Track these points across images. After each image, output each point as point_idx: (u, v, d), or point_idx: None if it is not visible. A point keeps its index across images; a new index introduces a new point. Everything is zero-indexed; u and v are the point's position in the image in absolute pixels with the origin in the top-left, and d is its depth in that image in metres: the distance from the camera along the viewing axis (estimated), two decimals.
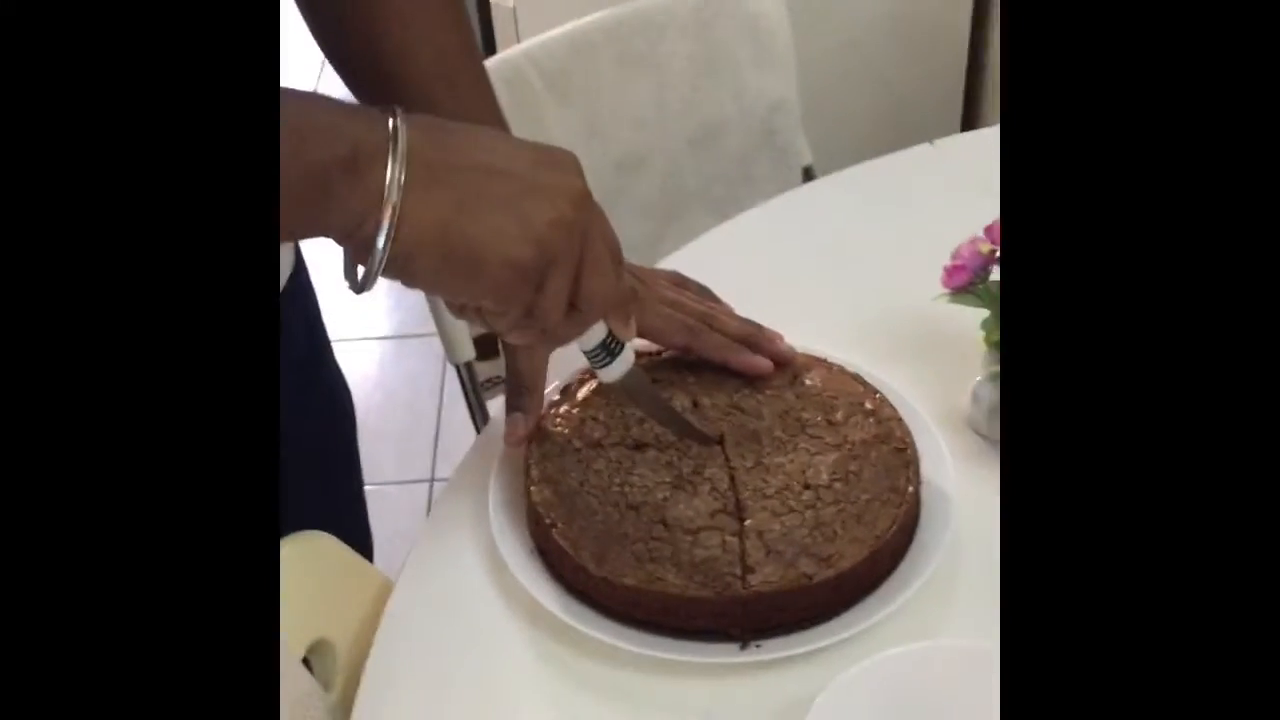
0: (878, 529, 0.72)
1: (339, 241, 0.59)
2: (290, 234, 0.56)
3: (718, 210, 1.28)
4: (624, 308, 0.70)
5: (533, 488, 0.76)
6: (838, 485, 0.74)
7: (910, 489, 0.75)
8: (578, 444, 0.78)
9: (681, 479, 0.75)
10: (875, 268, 1.00)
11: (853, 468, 0.75)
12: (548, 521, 0.74)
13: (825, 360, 0.84)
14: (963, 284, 0.80)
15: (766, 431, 0.78)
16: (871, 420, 0.79)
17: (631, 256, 1.31)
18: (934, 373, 0.87)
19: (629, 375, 0.73)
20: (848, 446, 0.77)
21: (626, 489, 0.75)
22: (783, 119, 1.34)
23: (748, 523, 0.72)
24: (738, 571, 0.70)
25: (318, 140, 0.56)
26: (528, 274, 0.60)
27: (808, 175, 1.38)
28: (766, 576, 0.70)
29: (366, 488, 1.10)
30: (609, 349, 0.71)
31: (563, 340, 0.67)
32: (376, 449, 2.03)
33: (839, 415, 0.79)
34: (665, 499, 0.74)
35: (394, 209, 0.57)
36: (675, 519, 0.73)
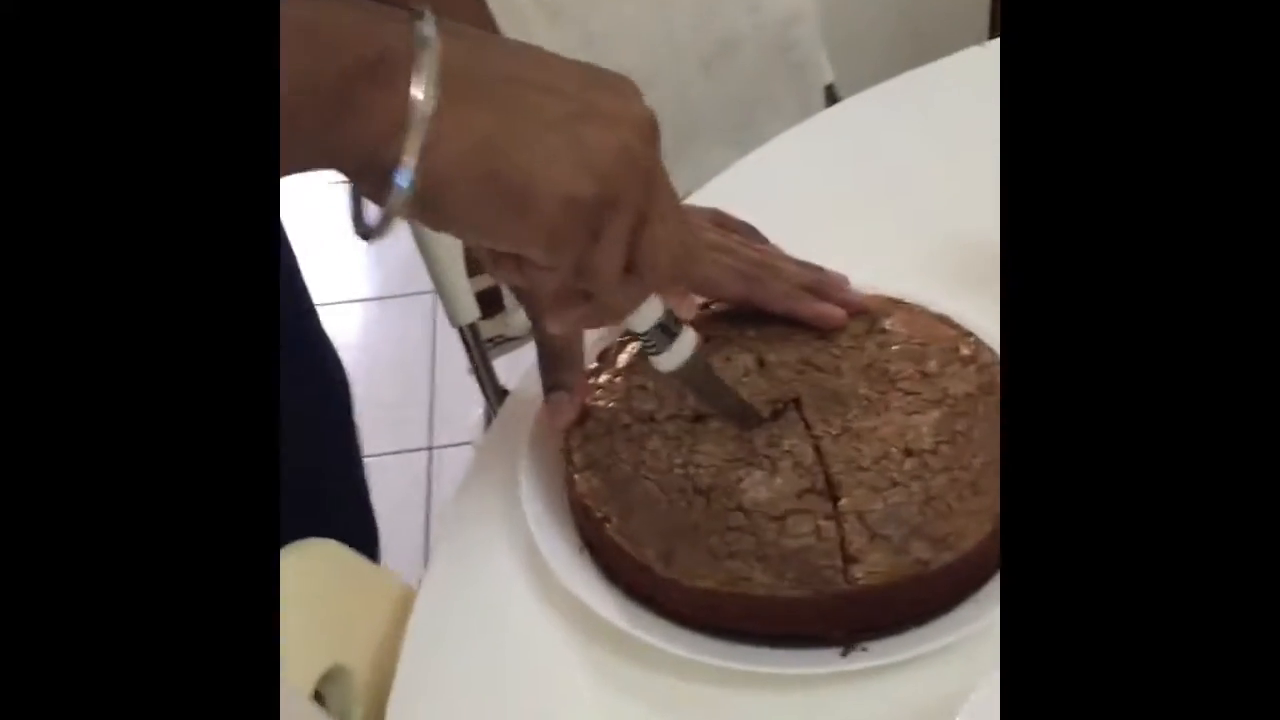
0: (998, 498, 0.60)
1: (352, 173, 0.48)
2: (294, 163, 0.45)
3: (732, 139, 1.16)
4: (686, 279, 0.58)
5: (577, 476, 0.64)
6: (945, 449, 0.62)
7: None
8: (626, 419, 0.65)
9: (756, 454, 0.62)
10: (930, 191, 0.86)
11: (959, 426, 0.63)
12: (599, 515, 0.62)
13: (902, 301, 0.71)
14: None
15: (850, 390, 0.65)
16: (971, 368, 0.66)
17: None
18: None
19: (690, 362, 0.60)
20: (949, 402, 0.64)
21: (692, 470, 0.62)
22: (801, 31, 1.21)
23: (843, 502, 0.60)
24: (838, 563, 0.58)
25: (334, 42, 0.45)
26: (585, 213, 0.49)
27: (830, 95, 1.25)
28: (874, 565, 0.58)
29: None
30: (667, 330, 0.59)
31: (615, 314, 0.56)
32: (368, 418, 1.91)
33: (933, 365, 0.66)
34: (740, 480, 0.61)
35: (425, 127, 0.46)
36: (755, 503, 0.60)
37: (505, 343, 1.10)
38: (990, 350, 0.68)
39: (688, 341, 0.60)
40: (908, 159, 0.90)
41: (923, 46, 1.10)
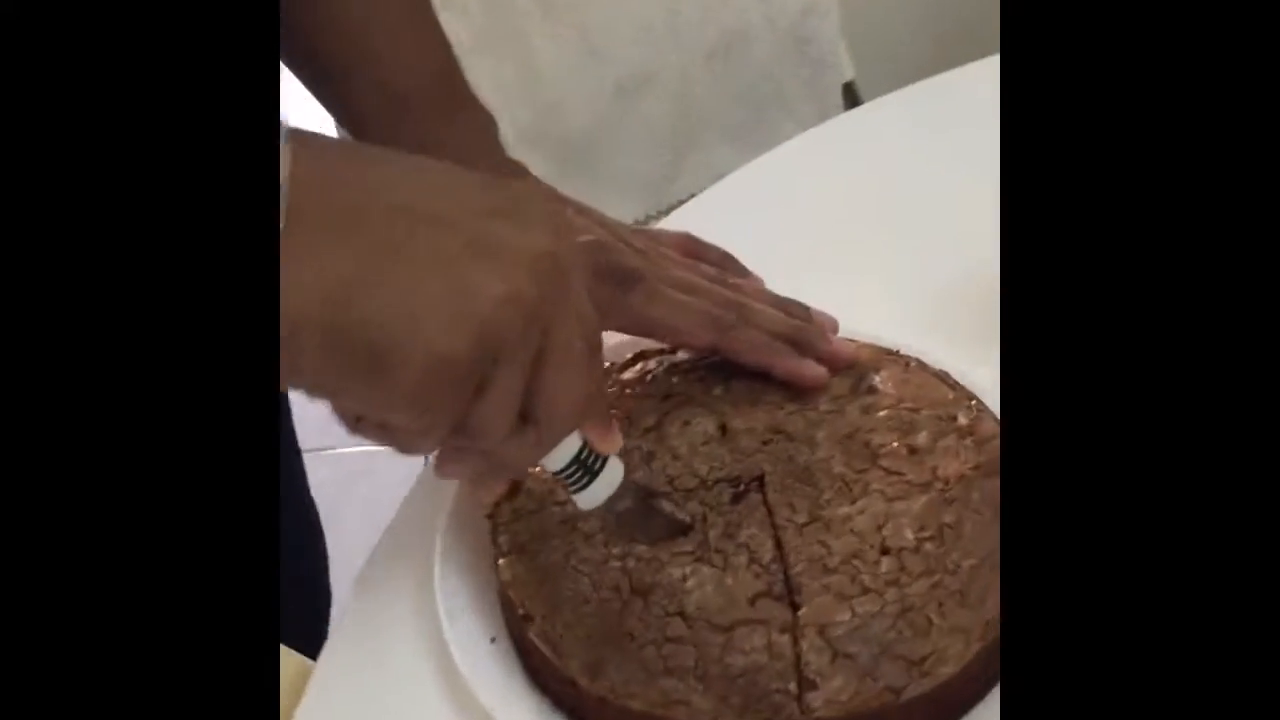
0: (988, 610, 0.51)
1: None
2: None
3: (741, 139, 1.07)
4: (604, 413, 0.49)
5: (501, 561, 0.55)
6: (929, 547, 0.52)
7: None
8: (561, 496, 0.56)
9: (707, 546, 0.53)
10: (949, 219, 0.74)
11: (948, 518, 0.54)
12: (522, 613, 0.53)
13: (898, 354, 0.62)
14: None
15: (824, 467, 0.56)
16: (968, 442, 0.57)
17: (638, 199, 1.10)
18: None
19: (618, 497, 0.51)
20: (939, 485, 0.55)
21: (630, 564, 0.53)
22: (818, 24, 1.12)
23: (803, 611, 0.51)
24: (791, 688, 0.49)
25: None
26: (460, 374, 0.40)
27: (849, 94, 1.16)
28: (834, 693, 0.49)
29: (360, 449, 0.91)
30: (586, 466, 0.49)
31: (512, 469, 0.49)
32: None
33: (922, 438, 0.57)
34: (685, 578, 0.52)
35: None
36: (700, 609, 0.51)
37: None
38: (993, 419, 0.58)
39: (612, 476, 0.50)
40: (934, 176, 0.79)
41: (957, 42, 1.00)
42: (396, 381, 0.39)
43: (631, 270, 0.58)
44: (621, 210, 0.98)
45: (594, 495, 0.50)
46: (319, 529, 0.99)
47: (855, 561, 0.52)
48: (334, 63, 0.62)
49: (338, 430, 0.45)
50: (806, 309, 0.63)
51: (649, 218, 0.92)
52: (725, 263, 0.65)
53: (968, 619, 0.50)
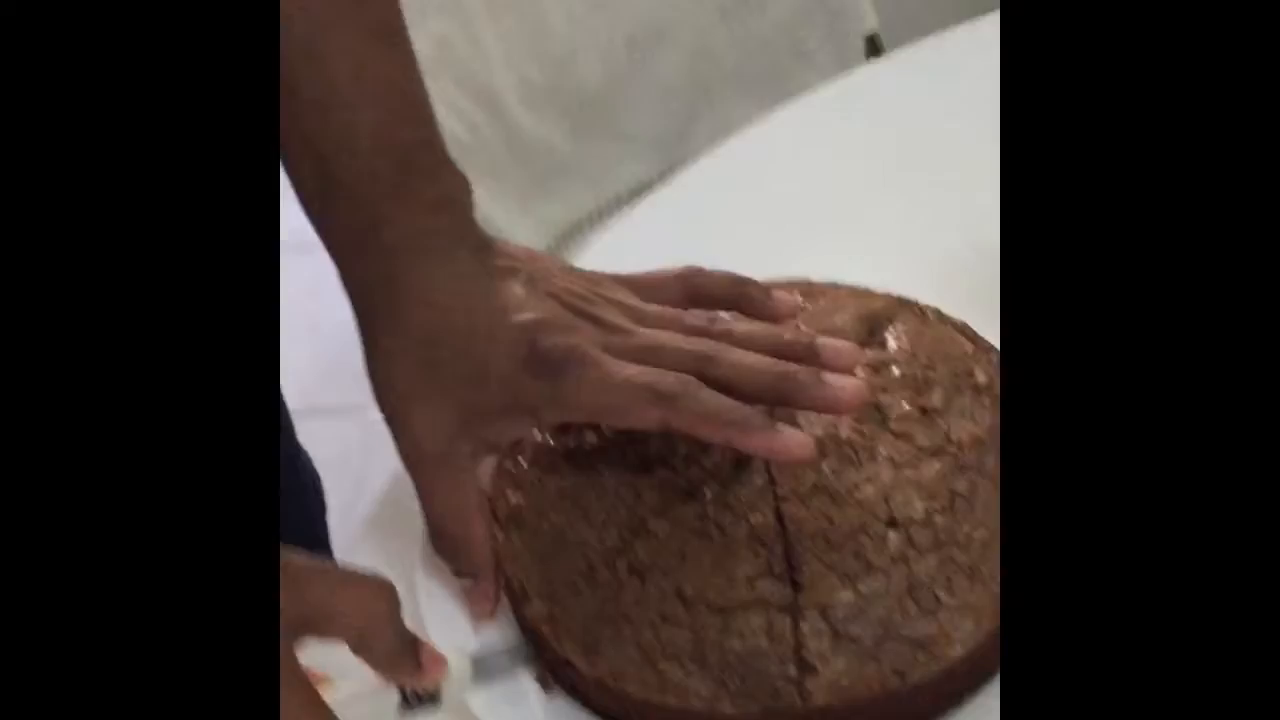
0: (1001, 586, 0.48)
1: None
2: None
3: (759, 94, 1.00)
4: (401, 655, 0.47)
5: (498, 532, 0.53)
6: (939, 519, 0.50)
7: None
8: (565, 463, 0.54)
9: (706, 519, 0.51)
10: (970, 177, 0.71)
11: (960, 486, 0.51)
12: (518, 588, 0.52)
13: (914, 304, 0.59)
14: None
15: (829, 431, 0.53)
16: (985, 401, 0.54)
17: (650, 156, 1.05)
18: None
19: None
20: (951, 451, 0.52)
21: (628, 540, 0.51)
22: None
23: (804, 591, 0.49)
24: (791, 672, 0.47)
25: None
26: None
27: (872, 46, 1.10)
28: (835, 676, 0.47)
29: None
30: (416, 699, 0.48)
31: None
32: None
33: (936, 398, 0.54)
34: (684, 557, 0.50)
35: None
36: (698, 590, 0.49)
37: None
38: None
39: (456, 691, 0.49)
40: (946, 134, 0.75)
41: None
42: None
43: (567, 351, 0.51)
44: (635, 168, 0.95)
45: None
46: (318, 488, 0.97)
47: (860, 536, 0.50)
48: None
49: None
50: (811, 342, 0.53)
51: (662, 176, 0.88)
52: (734, 292, 0.57)
53: (979, 596, 0.48)
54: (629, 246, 0.72)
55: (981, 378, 0.55)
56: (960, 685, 0.48)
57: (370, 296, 0.54)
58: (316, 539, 0.86)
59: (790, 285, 0.60)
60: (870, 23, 1.09)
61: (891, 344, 0.57)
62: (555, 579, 0.51)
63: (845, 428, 0.53)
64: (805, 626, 0.48)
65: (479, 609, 0.53)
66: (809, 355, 0.52)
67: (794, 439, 0.49)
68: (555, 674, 0.51)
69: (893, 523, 0.50)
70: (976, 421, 0.53)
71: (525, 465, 0.55)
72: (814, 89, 0.82)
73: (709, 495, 0.52)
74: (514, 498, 0.54)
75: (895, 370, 0.55)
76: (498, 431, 0.53)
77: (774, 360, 0.51)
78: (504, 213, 0.92)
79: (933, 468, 0.52)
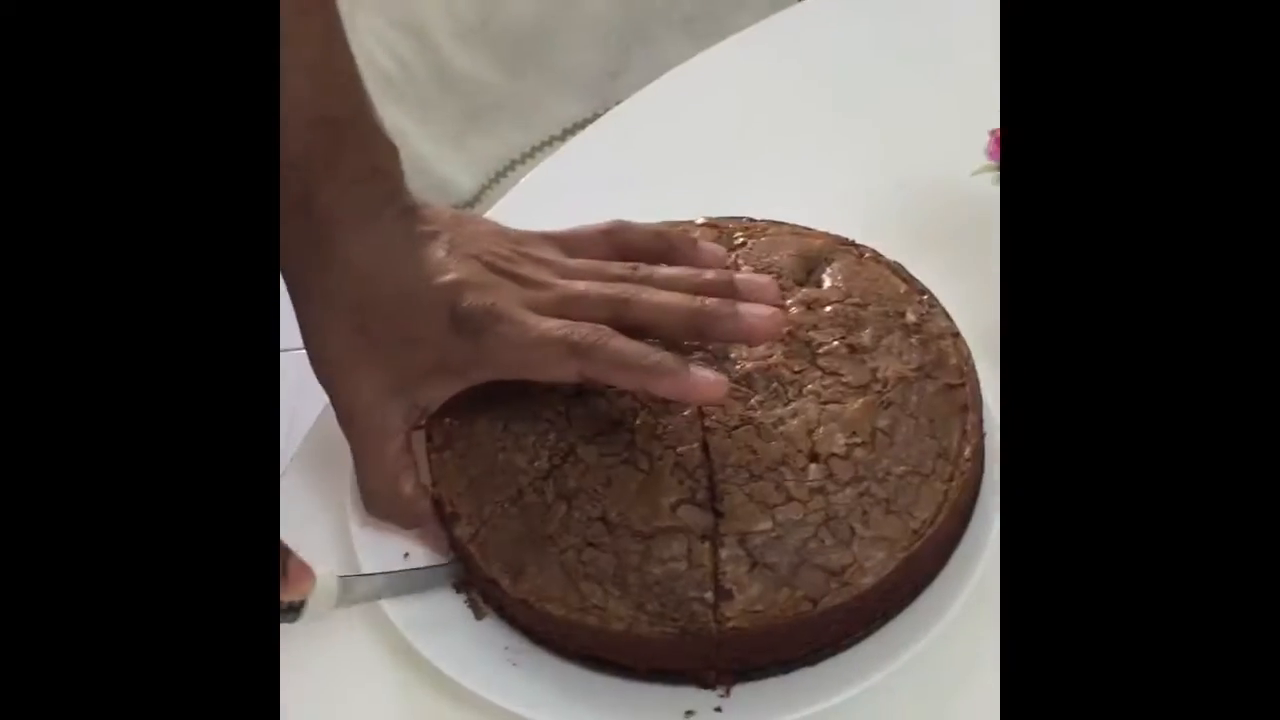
0: (915, 519, 0.50)
1: None
2: None
3: (691, 32, 1.00)
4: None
5: (432, 456, 0.55)
6: (859, 453, 0.51)
7: (967, 451, 0.52)
8: (500, 388, 0.55)
9: (634, 446, 0.52)
10: (897, 122, 0.72)
11: (882, 423, 0.52)
12: (449, 510, 0.53)
13: (851, 243, 0.60)
14: None
15: (760, 365, 0.54)
16: (913, 340, 0.55)
17: (583, 94, 1.02)
18: (971, 275, 0.57)
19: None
20: (876, 387, 0.53)
21: (556, 465, 0.53)
22: None
23: (725, 519, 0.50)
24: (708, 596, 0.49)
25: None
26: None
27: None
28: (749, 603, 0.48)
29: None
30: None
31: None
32: None
33: (865, 336, 0.55)
34: (610, 482, 0.51)
35: None
36: (622, 515, 0.51)
37: None
38: (944, 317, 0.56)
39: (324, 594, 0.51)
40: (875, 76, 0.76)
41: None
42: None
43: (485, 311, 0.52)
44: (569, 106, 0.94)
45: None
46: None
47: (782, 468, 0.51)
48: None
49: None
50: (730, 280, 0.54)
51: (595, 114, 0.88)
52: (659, 245, 0.57)
53: (893, 528, 0.50)
54: (562, 184, 0.72)
55: (911, 317, 0.56)
56: (870, 612, 0.50)
57: (301, 265, 0.54)
58: None
59: (732, 223, 0.61)
60: None
61: (826, 282, 0.58)
62: (485, 501, 0.53)
63: (780, 361, 0.54)
64: (724, 553, 0.49)
65: (436, 553, 0.54)
66: (727, 291, 0.53)
67: (704, 380, 0.50)
68: (483, 594, 0.53)
69: (814, 456, 0.51)
70: (903, 360, 0.54)
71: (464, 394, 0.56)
72: (746, 28, 0.82)
73: (638, 424, 0.53)
74: (449, 420, 0.55)
75: (827, 308, 0.56)
76: (428, 394, 0.54)
77: (689, 296, 0.52)
78: (435, 149, 0.92)
79: (857, 404, 0.53)
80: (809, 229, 0.61)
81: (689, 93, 0.76)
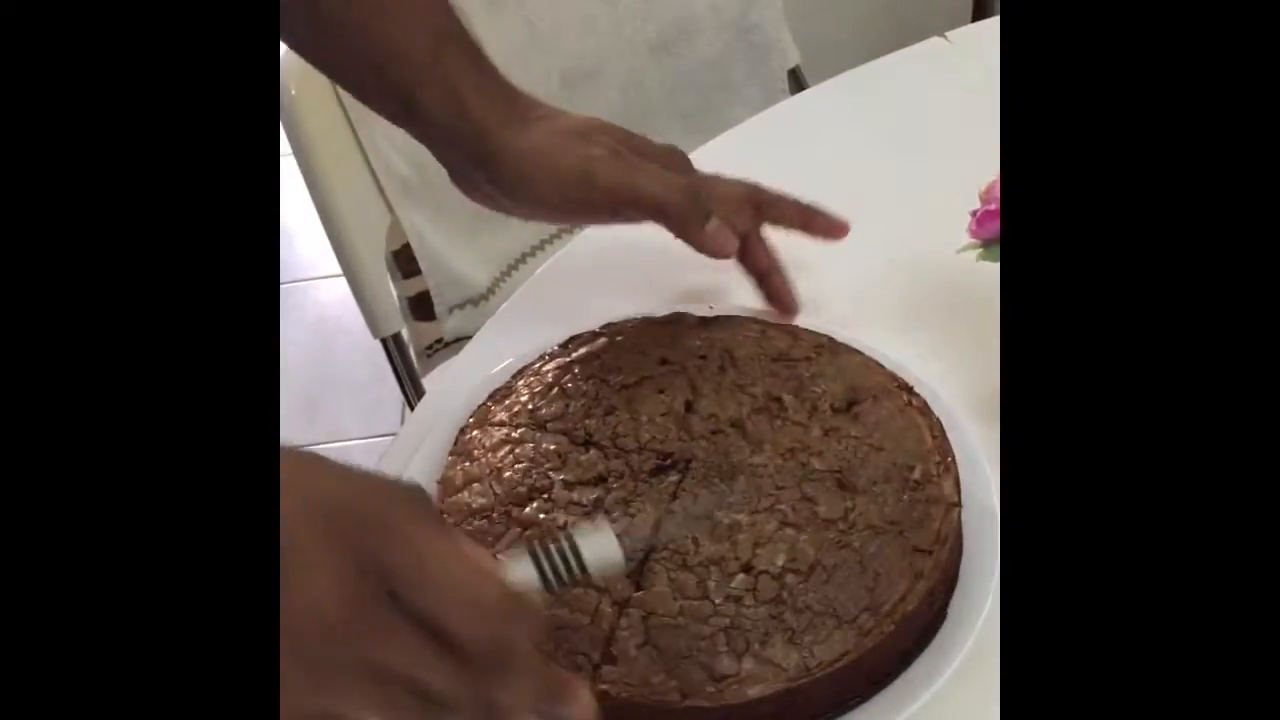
0: (814, 659, 0.51)
1: None
2: None
3: (689, 124, 1.06)
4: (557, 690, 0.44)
5: (450, 456, 0.60)
6: (790, 580, 0.53)
7: (896, 614, 0.52)
8: (524, 418, 0.60)
9: (602, 504, 0.56)
10: (886, 206, 0.75)
11: (828, 560, 0.53)
12: (444, 514, 0.59)
13: (907, 388, 0.61)
14: (997, 235, 0.62)
15: (752, 472, 0.57)
16: (906, 497, 0.56)
17: None
18: (957, 345, 0.65)
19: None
20: (842, 526, 0.55)
21: (534, 494, 0.57)
22: (762, 12, 1.09)
23: (641, 593, 0.53)
24: (595, 656, 0.52)
25: None
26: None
27: (795, 79, 1.13)
28: (624, 676, 0.51)
29: (329, 446, 0.94)
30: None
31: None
32: (337, 402, 1.77)
33: (862, 477, 0.56)
34: (564, 526, 0.55)
35: None
36: None
37: (443, 348, 1.01)
38: (954, 485, 0.56)
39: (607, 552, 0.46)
40: (860, 163, 0.81)
41: (900, 25, 1.05)
42: None
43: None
44: None
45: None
46: None
47: (713, 567, 0.53)
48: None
49: None
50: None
51: None
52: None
53: (787, 659, 0.51)
54: (573, 273, 0.77)
55: (917, 475, 0.57)
56: None
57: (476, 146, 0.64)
58: None
59: (814, 336, 0.64)
60: (793, 58, 1.13)
61: (860, 417, 0.59)
62: (460, 504, 0.58)
63: (771, 474, 0.56)
64: (624, 622, 0.52)
65: (724, 248, 0.66)
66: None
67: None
68: None
69: (748, 567, 0.53)
70: (884, 511, 0.55)
71: (501, 413, 0.62)
72: (741, 121, 0.87)
73: (619, 486, 0.57)
74: (479, 433, 0.61)
75: (843, 442, 0.58)
76: None
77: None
78: (450, 246, 0.96)
79: (814, 535, 0.54)
80: (879, 364, 0.62)
81: None
